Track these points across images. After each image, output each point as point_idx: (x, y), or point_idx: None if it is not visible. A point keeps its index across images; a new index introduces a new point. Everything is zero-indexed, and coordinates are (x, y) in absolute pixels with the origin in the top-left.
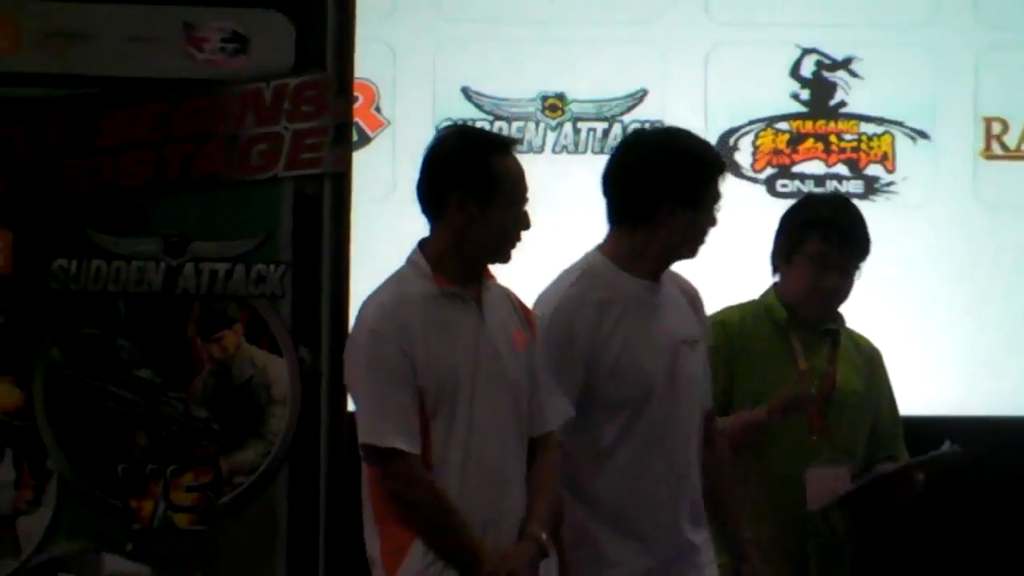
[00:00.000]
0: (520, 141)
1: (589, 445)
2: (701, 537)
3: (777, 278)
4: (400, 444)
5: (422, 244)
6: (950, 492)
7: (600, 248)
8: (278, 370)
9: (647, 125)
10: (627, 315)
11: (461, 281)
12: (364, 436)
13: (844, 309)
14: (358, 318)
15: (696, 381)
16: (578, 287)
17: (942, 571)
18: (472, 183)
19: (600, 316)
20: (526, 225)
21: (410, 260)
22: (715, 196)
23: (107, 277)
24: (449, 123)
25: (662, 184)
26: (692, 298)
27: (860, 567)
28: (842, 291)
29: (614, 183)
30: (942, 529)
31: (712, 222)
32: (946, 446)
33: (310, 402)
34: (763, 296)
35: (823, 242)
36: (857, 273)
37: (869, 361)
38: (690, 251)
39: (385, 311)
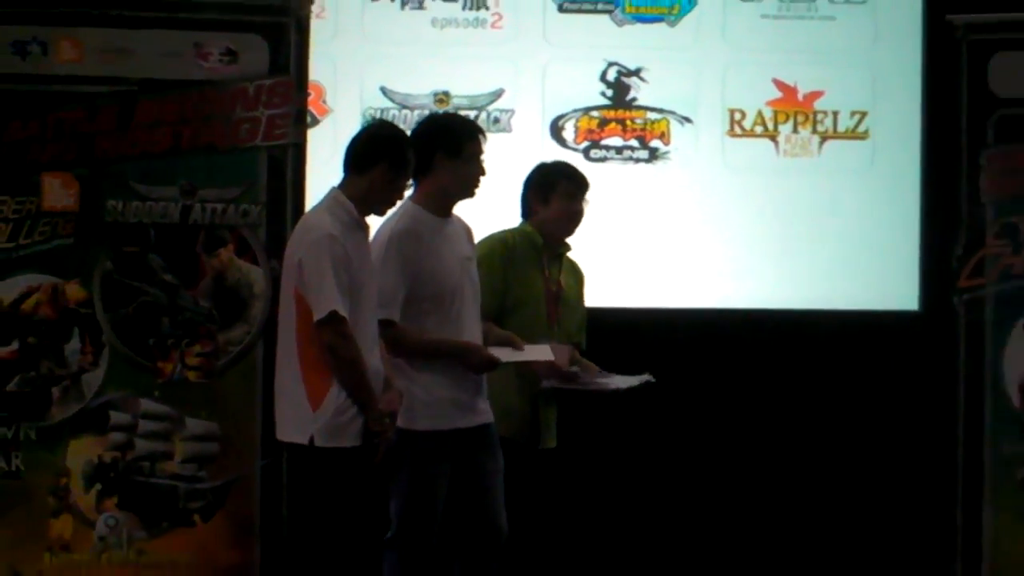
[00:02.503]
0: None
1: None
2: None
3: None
4: (346, 313)
5: (341, 187)
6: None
7: (412, 196)
8: (256, 275)
9: (504, 113)
10: (433, 241)
11: (362, 216)
12: (329, 305)
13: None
14: (308, 228)
15: (476, 285)
16: (406, 220)
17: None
18: (395, 161)
19: (415, 246)
20: (402, 196)
21: (334, 198)
22: (472, 152)
23: (142, 212)
24: (372, 111)
25: (434, 139)
26: (467, 231)
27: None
28: (583, 214)
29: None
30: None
31: (479, 171)
32: (645, 376)
33: (276, 298)
34: (520, 227)
35: (569, 183)
36: (586, 203)
37: (579, 278)
38: (465, 193)
39: (333, 225)
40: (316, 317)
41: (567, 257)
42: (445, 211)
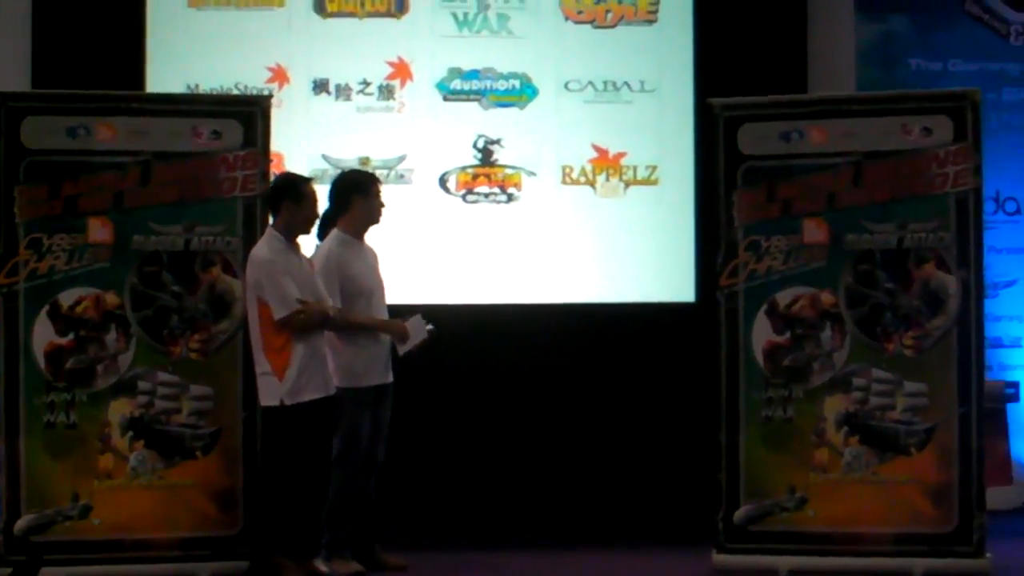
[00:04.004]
0: (314, 179)
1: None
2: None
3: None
4: (296, 307)
5: (272, 225)
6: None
7: (337, 228)
8: (236, 286)
9: (407, 171)
10: (355, 255)
11: (292, 242)
12: (285, 308)
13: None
14: (253, 258)
15: (383, 287)
16: (334, 245)
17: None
18: (293, 196)
19: (346, 257)
20: (315, 216)
21: (269, 233)
22: (375, 191)
23: (158, 243)
24: (316, 171)
25: (349, 186)
26: (373, 252)
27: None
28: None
29: (333, 194)
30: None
31: (381, 204)
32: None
33: None
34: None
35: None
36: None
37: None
38: (375, 220)
39: (271, 252)
40: (276, 317)
41: None
42: (361, 236)
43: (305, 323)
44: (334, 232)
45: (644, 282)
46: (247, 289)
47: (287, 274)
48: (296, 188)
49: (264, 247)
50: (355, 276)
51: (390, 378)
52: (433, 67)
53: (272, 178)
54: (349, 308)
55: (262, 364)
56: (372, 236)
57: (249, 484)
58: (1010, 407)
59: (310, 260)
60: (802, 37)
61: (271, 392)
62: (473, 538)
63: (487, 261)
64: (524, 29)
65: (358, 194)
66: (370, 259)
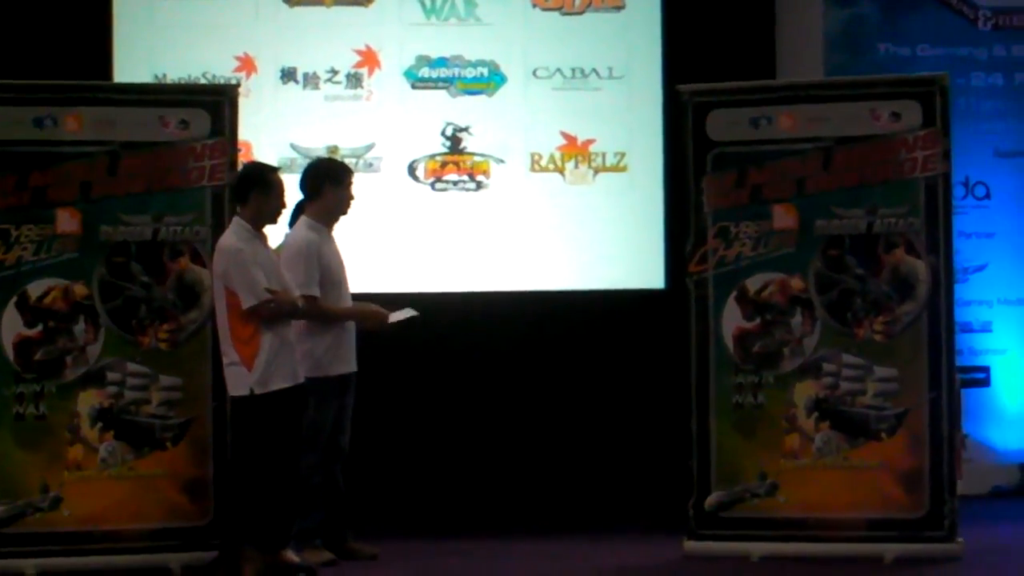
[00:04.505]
0: (281, 168)
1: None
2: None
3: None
4: (265, 296)
5: (239, 214)
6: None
7: (306, 215)
8: (204, 275)
9: (375, 159)
10: (326, 243)
11: (259, 231)
12: (254, 297)
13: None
14: (221, 247)
15: (346, 276)
16: (310, 232)
17: None
18: (261, 185)
19: (319, 243)
20: (283, 207)
21: (236, 222)
22: (348, 182)
23: (126, 233)
24: (284, 160)
25: (323, 174)
26: (334, 239)
27: None
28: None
29: (305, 181)
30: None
31: (351, 196)
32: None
33: None
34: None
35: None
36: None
37: None
38: (345, 210)
39: (239, 241)
40: (244, 306)
41: None
42: (330, 225)
43: (274, 313)
44: (303, 219)
45: (613, 269)
46: (214, 279)
47: (255, 263)
48: (264, 178)
49: (231, 236)
50: (329, 265)
51: (355, 367)
52: (401, 55)
53: (239, 167)
54: (323, 297)
55: (230, 354)
56: (341, 224)
57: (219, 475)
58: (982, 392)
59: (276, 251)
60: (770, 22)
61: (240, 382)
62: (444, 526)
63: (456, 249)
64: (492, 16)
65: (330, 182)
66: (336, 247)
